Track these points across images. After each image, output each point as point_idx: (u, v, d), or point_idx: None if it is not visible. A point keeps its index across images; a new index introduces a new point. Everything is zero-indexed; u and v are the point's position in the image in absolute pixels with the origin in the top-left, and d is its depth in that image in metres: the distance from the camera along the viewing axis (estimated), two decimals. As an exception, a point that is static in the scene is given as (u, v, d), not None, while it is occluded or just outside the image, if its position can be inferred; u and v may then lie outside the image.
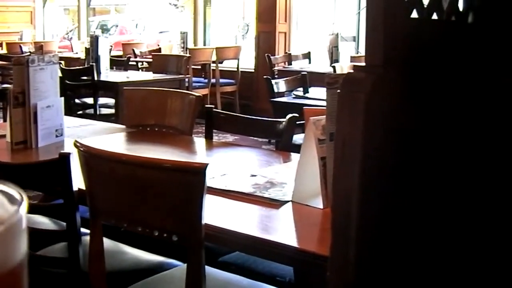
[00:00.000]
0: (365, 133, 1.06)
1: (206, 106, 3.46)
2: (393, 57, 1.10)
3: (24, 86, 3.13)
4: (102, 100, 7.08)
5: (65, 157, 2.21)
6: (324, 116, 2.21)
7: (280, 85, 5.29)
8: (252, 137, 5.11)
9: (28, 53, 9.04)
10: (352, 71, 1.08)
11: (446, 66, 1.17)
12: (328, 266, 1.49)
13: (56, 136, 3.27)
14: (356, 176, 1.09)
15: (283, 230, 2.05)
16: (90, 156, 2.09)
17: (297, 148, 2.98)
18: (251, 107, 9.39)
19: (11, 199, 0.47)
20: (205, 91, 8.96)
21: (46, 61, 3.24)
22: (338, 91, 1.09)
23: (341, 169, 1.12)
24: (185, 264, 2.05)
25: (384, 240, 1.17)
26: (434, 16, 1.19)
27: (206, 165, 1.84)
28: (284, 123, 3.16)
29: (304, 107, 2.67)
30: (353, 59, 7.90)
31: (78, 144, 2.12)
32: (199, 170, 1.83)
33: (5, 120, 6.95)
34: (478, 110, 1.14)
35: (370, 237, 1.16)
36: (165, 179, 1.94)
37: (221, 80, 9.53)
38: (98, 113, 6.58)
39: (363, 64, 1.09)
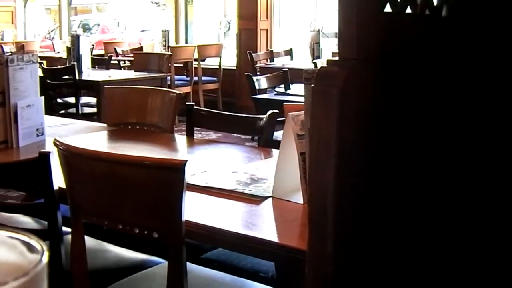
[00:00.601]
0: (339, 127, 1.07)
1: (187, 103, 3.46)
2: (367, 51, 1.10)
3: (3, 85, 3.12)
4: (84, 99, 7.08)
5: (45, 156, 2.20)
6: (303, 112, 2.22)
7: (261, 82, 5.30)
8: (235, 134, 5.12)
9: (9, 53, 9.00)
10: (325, 65, 1.09)
11: (420, 60, 1.18)
12: (306, 261, 1.50)
13: (37, 136, 3.26)
14: (331, 171, 1.09)
15: (264, 225, 2.05)
16: (69, 155, 2.09)
17: (278, 144, 2.99)
18: (233, 104, 9.40)
19: (30, 248, 0.48)
20: (187, 89, 8.97)
21: (25, 61, 3.23)
22: (312, 85, 1.10)
23: (317, 163, 1.12)
24: (167, 262, 2.05)
25: (361, 234, 1.18)
26: (408, 10, 1.19)
27: (185, 161, 1.84)
28: (264, 119, 3.16)
29: (284, 103, 2.68)
30: (334, 55, 7.91)
31: (57, 143, 2.12)
32: (178, 167, 1.83)
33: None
34: (452, 104, 1.15)
35: (347, 232, 1.17)
36: (144, 176, 1.94)
37: (203, 78, 9.53)
38: (80, 112, 6.57)
39: (336, 58, 1.09)
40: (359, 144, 1.10)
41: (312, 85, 1.11)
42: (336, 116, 1.07)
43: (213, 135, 6.37)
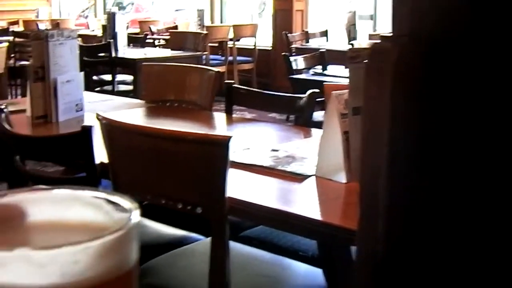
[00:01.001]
0: (392, 104, 1.04)
1: (226, 81, 3.45)
2: (420, 29, 1.08)
3: (43, 60, 3.13)
4: (119, 77, 7.09)
5: (87, 130, 2.21)
6: (347, 91, 2.20)
7: (298, 62, 5.27)
8: (270, 115, 5.10)
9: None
10: (379, 41, 1.07)
11: (475, 41, 1.15)
12: (356, 240, 1.48)
13: (76, 111, 3.27)
14: (383, 149, 1.07)
15: (306, 203, 2.04)
16: (112, 129, 2.08)
17: (316, 125, 2.98)
18: (268, 85, 9.37)
19: (117, 207, 0.47)
20: (222, 69, 8.95)
21: (65, 36, 3.24)
22: (366, 61, 1.08)
23: (368, 142, 1.10)
24: (208, 238, 2.04)
25: (413, 214, 1.16)
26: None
27: (230, 137, 1.83)
28: (304, 99, 3.14)
29: (325, 83, 2.66)
30: (371, 37, 7.85)
31: (100, 117, 2.11)
32: (223, 143, 1.82)
33: (23, 96, 6.97)
34: (508, 90, 1.12)
35: (398, 212, 1.15)
36: (188, 151, 1.93)
37: (238, 58, 9.51)
38: (115, 89, 6.58)
39: (390, 34, 1.07)
40: (411, 122, 1.08)
41: (365, 61, 1.09)
42: (389, 92, 1.05)
43: (247, 115, 6.35)
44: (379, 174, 1.07)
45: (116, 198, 0.47)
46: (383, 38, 1.13)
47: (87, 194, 0.48)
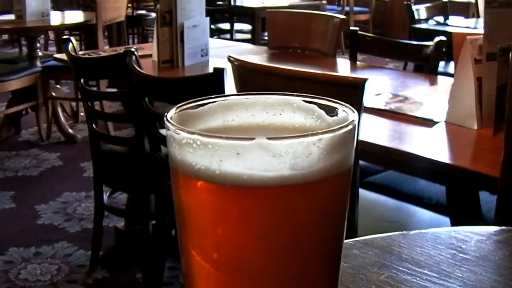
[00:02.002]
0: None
1: (351, 28, 3.43)
2: None
3: (171, 5, 3.18)
4: (237, 26, 7.13)
5: (220, 72, 2.24)
6: (481, 36, 2.16)
7: (420, 11, 5.17)
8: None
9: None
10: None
11: None
12: (499, 183, 1.48)
13: (202, 56, 3.32)
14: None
15: (436, 148, 2.02)
16: (244, 70, 2.11)
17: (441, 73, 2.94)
18: (384, 36, 9.22)
19: (329, 111, 0.49)
20: (338, 19, 8.85)
21: (192, -18, 3.28)
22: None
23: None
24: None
25: None
26: None
27: (366, 79, 1.83)
28: (431, 47, 3.09)
29: (453, 32, 2.61)
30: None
31: (232, 59, 2.15)
32: (360, 84, 1.82)
33: (139, 42, 7.12)
34: None
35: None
36: (322, 93, 1.94)
37: (355, 8, 9.40)
38: (233, 38, 6.64)
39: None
40: None
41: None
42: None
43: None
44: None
45: (328, 102, 0.49)
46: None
47: (298, 99, 0.50)
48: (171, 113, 0.48)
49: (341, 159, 0.45)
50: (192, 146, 0.43)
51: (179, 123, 0.45)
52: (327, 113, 0.49)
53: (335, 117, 0.48)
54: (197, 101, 0.51)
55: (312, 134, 0.42)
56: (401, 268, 0.77)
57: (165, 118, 0.47)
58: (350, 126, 0.45)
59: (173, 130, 0.45)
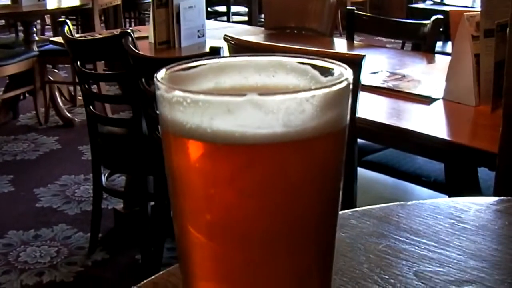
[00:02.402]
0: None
1: (348, 8, 3.41)
2: None
3: (167, -14, 3.17)
4: (233, 9, 7.11)
5: (216, 51, 2.24)
6: (478, 13, 2.14)
7: (417, -10, 5.16)
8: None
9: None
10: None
11: None
12: (497, 158, 1.48)
13: (198, 37, 3.31)
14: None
15: (434, 125, 2.02)
16: (240, 49, 2.10)
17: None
18: (382, 16, 9.19)
19: (323, 71, 0.48)
20: None
21: (188, -38, 3.26)
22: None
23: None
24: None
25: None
26: None
27: (363, 56, 1.82)
28: (428, 25, 3.08)
29: (450, 9, 2.60)
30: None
31: (228, 38, 2.14)
32: (357, 61, 1.81)
33: (136, 26, 7.10)
34: None
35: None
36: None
37: (352, -11, 9.36)
38: (230, 20, 6.62)
39: None
40: None
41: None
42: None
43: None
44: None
45: (322, 63, 0.48)
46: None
47: (292, 60, 0.50)
48: (162, 73, 0.47)
49: (335, 117, 0.44)
50: (183, 104, 0.42)
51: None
52: (321, 74, 0.48)
53: (329, 77, 0.47)
54: (187, 63, 0.50)
55: (305, 90, 0.41)
56: (400, 238, 0.77)
57: (155, 78, 0.46)
58: (344, 83, 0.44)
59: (163, 89, 0.44)
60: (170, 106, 0.43)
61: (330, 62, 0.48)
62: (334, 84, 0.43)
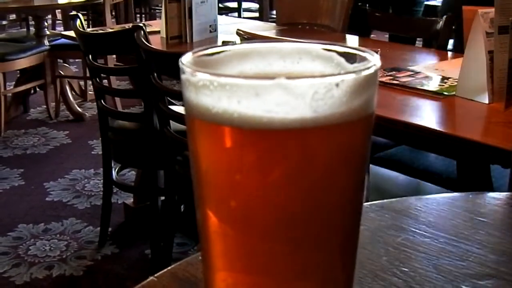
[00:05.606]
0: None
1: (359, 4, 3.40)
2: None
3: (179, -19, 3.16)
4: (244, 5, 7.11)
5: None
6: (493, 9, 2.13)
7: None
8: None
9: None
10: None
11: None
12: None
13: (210, 32, 3.30)
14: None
15: (447, 122, 2.01)
16: (254, 44, 2.09)
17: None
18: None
19: (349, 58, 0.48)
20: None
21: (200, -43, 3.26)
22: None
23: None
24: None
25: None
26: None
27: (377, 51, 1.81)
28: (441, 22, 3.07)
29: (463, 6, 2.58)
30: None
31: (241, 32, 2.13)
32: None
33: (146, 21, 7.10)
34: None
35: None
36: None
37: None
38: (241, 16, 6.61)
39: None
40: None
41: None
42: None
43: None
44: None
45: (348, 49, 0.48)
46: None
47: (317, 46, 0.49)
48: (187, 57, 0.47)
49: (363, 103, 0.43)
50: (209, 88, 0.42)
51: (195, 68, 0.44)
52: (347, 61, 0.48)
53: (355, 64, 0.47)
54: (211, 47, 0.49)
55: (334, 75, 0.41)
56: (418, 231, 0.76)
57: (180, 62, 0.45)
58: (373, 69, 0.44)
59: (189, 72, 0.44)
60: (196, 90, 0.43)
61: (356, 49, 0.47)
62: (363, 69, 0.43)
